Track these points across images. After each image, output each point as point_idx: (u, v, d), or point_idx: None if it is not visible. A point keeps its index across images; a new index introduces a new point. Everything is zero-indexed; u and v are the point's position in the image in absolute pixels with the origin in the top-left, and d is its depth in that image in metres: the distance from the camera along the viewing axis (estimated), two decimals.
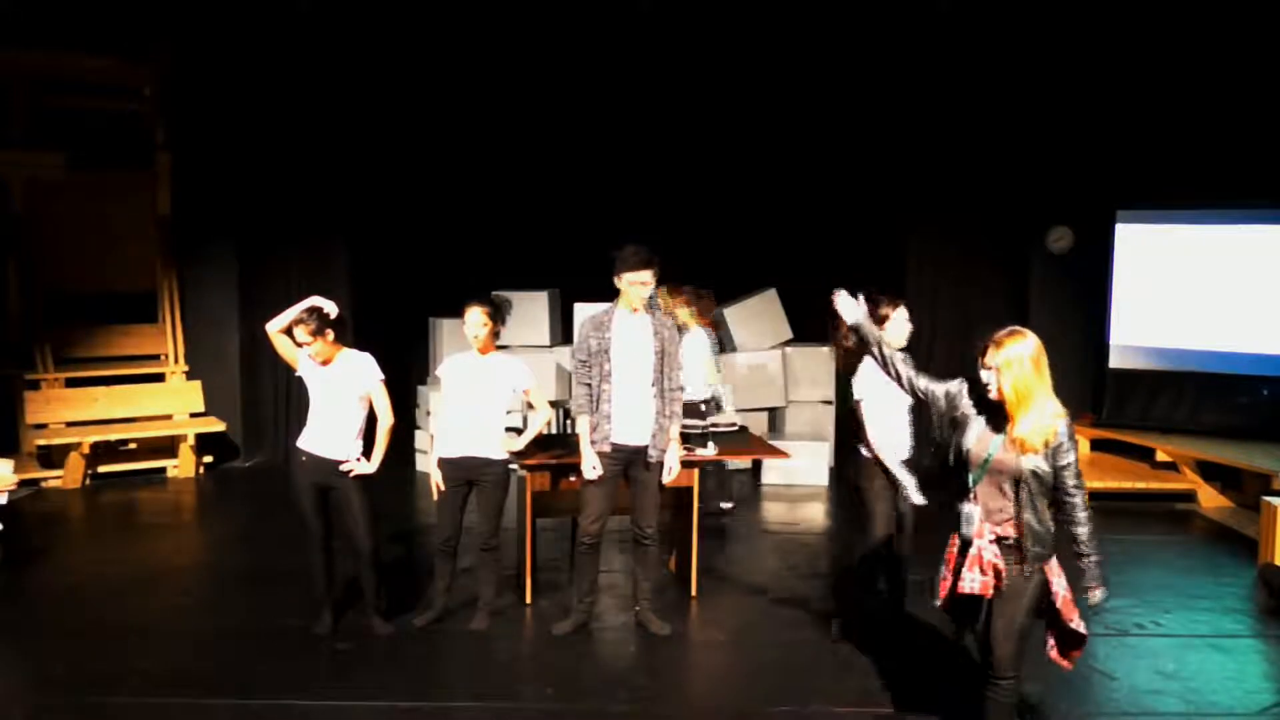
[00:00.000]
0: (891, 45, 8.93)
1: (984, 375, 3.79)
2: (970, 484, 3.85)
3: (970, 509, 3.86)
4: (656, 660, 5.25)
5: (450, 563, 5.58)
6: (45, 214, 8.81)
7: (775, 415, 9.49)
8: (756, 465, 9.04)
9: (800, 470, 8.73)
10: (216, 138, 8.94)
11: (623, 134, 9.39)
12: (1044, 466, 3.75)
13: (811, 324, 9.61)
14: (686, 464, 5.64)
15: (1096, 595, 3.85)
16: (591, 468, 5.26)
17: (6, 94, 8.68)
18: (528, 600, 5.92)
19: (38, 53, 8.57)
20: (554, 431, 6.73)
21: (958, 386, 3.96)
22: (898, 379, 4.12)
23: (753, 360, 9.39)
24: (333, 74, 8.95)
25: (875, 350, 4.17)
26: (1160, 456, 8.58)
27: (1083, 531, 3.80)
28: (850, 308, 4.24)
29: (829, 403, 9.36)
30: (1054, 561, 3.87)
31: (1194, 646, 5.50)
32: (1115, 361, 9.14)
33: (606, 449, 5.27)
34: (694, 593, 6.07)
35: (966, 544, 3.88)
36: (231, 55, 8.82)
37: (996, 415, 3.81)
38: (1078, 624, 3.88)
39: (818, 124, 9.42)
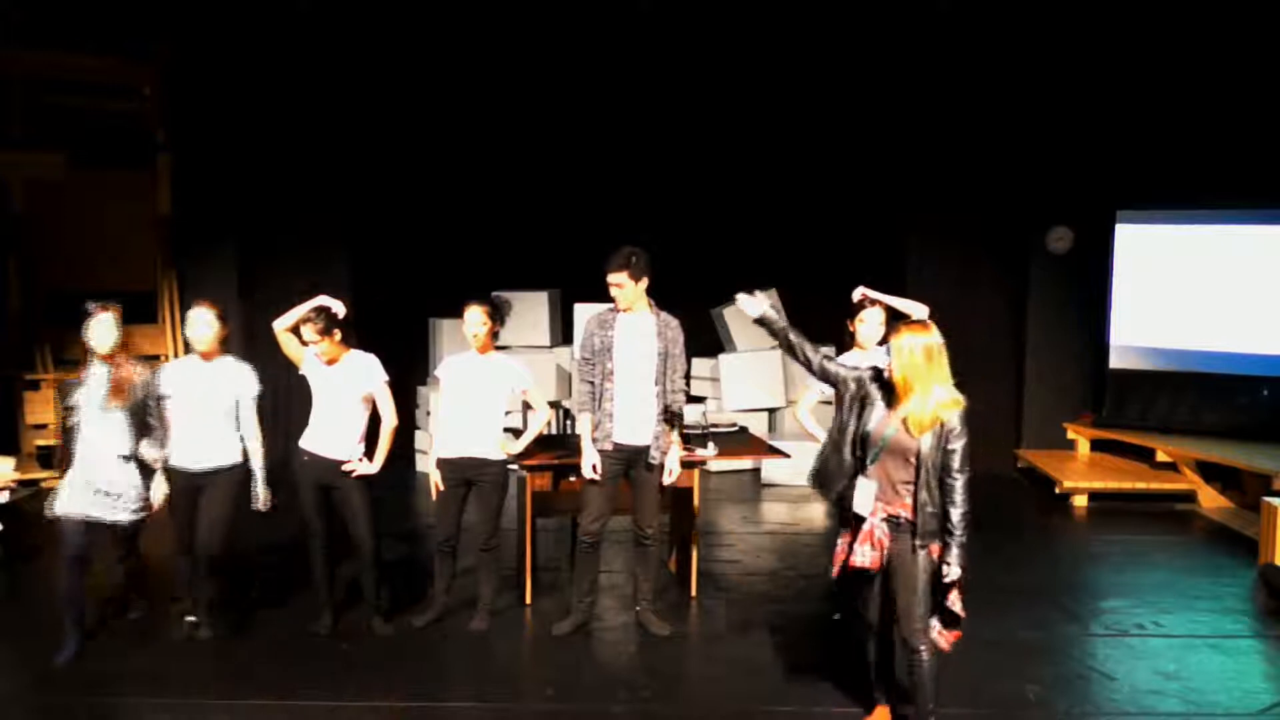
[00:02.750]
0: (891, 45, 8.93)
1: (884, 359, 4.11)
2: (869, 462, 4.12)
3: (865, 484, 4.12)
4: (656, 660, 5.25)
5: (450, 563, 5.58)
6: (45, 214, 8.81)
7: (775, 415, 9.50)
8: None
9: (800, 471, 8.69)
10: (216, 138, 8.94)
11: (623, 134, 9.38)
12: (935, 449, 4.00)
13: (811, 324, 9.63)
14: (687, 464, 5.65)
15: (953, 572, 4.02)
16: (591, 466, 5.27)
17: (6, 94, 8.67)
18: (528, 600, 5.93)
19: (38, 53, 8.57)
20: (553, 432, 6.74)
21: (866, 372, 4.24)
22: (807, 365, 4.39)
23: (752, 360, 9.39)
24: (333, 74, 8.95)
25: (782, 339, 4.43)
26: (1160, 456, 8.59)
27: (957, 512, 4.00)
28: (752, 303, 4.50)
29: (829, 402, 9.35)
30: (936, 544, 4.09)
31: (1194, 647, 5.50)
32: (1115, 361, 9.15)
33: (608, 448, 5.27)
34: (694, 593, 6.08)
35: (859, 519, 4.16)
36: (231, 55, 8.82)
37: (894, 398, 4.08)
38: (955, 603, 4.07)
39: (818, 124, 9.42)
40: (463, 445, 5.41)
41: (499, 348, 5.56)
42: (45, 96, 8.83)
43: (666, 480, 5.39)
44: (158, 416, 5.06)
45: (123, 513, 5.03)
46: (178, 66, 8.91)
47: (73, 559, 5.03)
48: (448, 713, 4.66)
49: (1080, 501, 8.41)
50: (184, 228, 9.21)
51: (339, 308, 5.24)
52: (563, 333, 9.63)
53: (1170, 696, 4.89)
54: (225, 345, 5.26)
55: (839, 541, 4.29)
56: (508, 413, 5.63)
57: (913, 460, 4.03)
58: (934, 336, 4.02)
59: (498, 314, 5.44)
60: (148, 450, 5.04)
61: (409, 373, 9.33)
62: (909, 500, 4.06)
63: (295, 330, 5.21)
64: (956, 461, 4.00)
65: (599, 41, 8.95)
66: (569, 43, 9.00)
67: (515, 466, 5.72)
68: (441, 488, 5.48)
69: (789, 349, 4.41)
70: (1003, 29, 8.76)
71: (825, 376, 4.36)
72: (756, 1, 8.78)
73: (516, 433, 5.75)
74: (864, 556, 4.10)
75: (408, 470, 9.00)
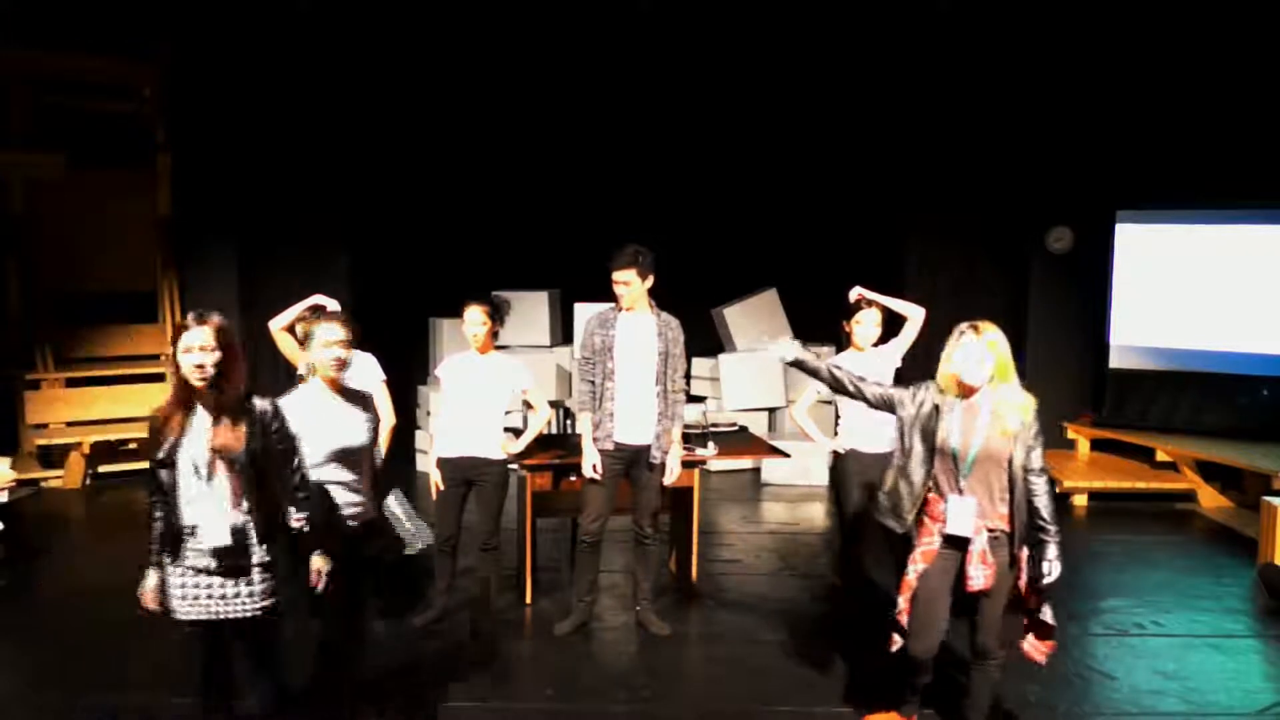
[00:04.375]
0: (891, 45, 8.93)
1: (959, 361, 3.92)
2: (962, 476, 3.94)
3: (963, 503, 3.93)
4: (656, 660, 5.25)
5: (450, 563, 5.58)
6: (45, 214, 8.81)
7: (775, 415, 9.50)
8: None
9: (800, 470, 8.73)
10: (216, 138, 8.94)
11: (623, 134, 9.38)
12: (1022, 451, 3.91)
13: (811, 324, 9.64)
14: (687, 464, 5.65)
15: (1054, 572, 3.96)
16: (592, 466, 5.27)
17: (6, 94, 8.68)
18: (528, 600, 5.93)
19: (38, 53, 8.56)
20: (554, 431, 6.74)
21: (918, 387, 4.10)
22: (859, 396, 4.24)
23: (752, 360, 9.39)
24: (333, 74, 8.95)
25: (826, 379, 4.30)
26: (1160, 456, 8.58)
27: (1048, 511, 3.96)
28: (785, 349, 4.33)
29: (828, 402, 9.36)
30: (1025, 550, 4.01)
31: (1194, 646, 5.50)
32: (1115, 361, 9.14)
33: (609, 447, 5.28)
34: (694, 593, 6.08)
35: (954, 541, 3.96)
36: (231, 55, 8.81)
37: (971, 406, 3.94)
38: (1046, 613, 4.03)
39: (818, 124, 9.42)
40: (463, 445, 5.41)
41: (499, 347, 5.56)
42: (45, 96, 8.83)
43: (667, 480, 5.39)
44: (296, 464, 3.74)
45: (246, 607, 3.61)
46: (178, 66, 8.91)
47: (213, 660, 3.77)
48: (448, 713, 4.66)
49: (1080, 501, 8.41)
50: (184, 228, 9.21)
51: (334, 306, 5.24)
52: (563, 333, 9.63)
53: (1170, 696, 4.89)
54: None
55: (911, 570, 4.05)
56: (508, 412, 5.63)
57: (1005, 467, 3.91)
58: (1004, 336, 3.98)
59: (498, 314, 5.44)
60: (296, 514, 3.74)
61: (409, 372, 9.33)
62: (1005, 510, 3.94)
63: (291, 329, 5.20)
64: (1038, 460, 3.95)
65: (599, 41, 8.95)
66: (569, 43, 8.99)
67: (515, 466, 5.72)
68: (441, 487, 5.48)
69: (836, 386, 4.27)
70: (1003, 29, 8.76)
71: (883, 403, 4.18)
72: (757, 2, 8.78)
73: (517, 432, 5.75)
74: (979, 579, 3.91)
75: (408, 470, 9.00)
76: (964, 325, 3.96)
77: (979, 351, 3.88)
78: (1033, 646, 4.12)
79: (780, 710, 4.71)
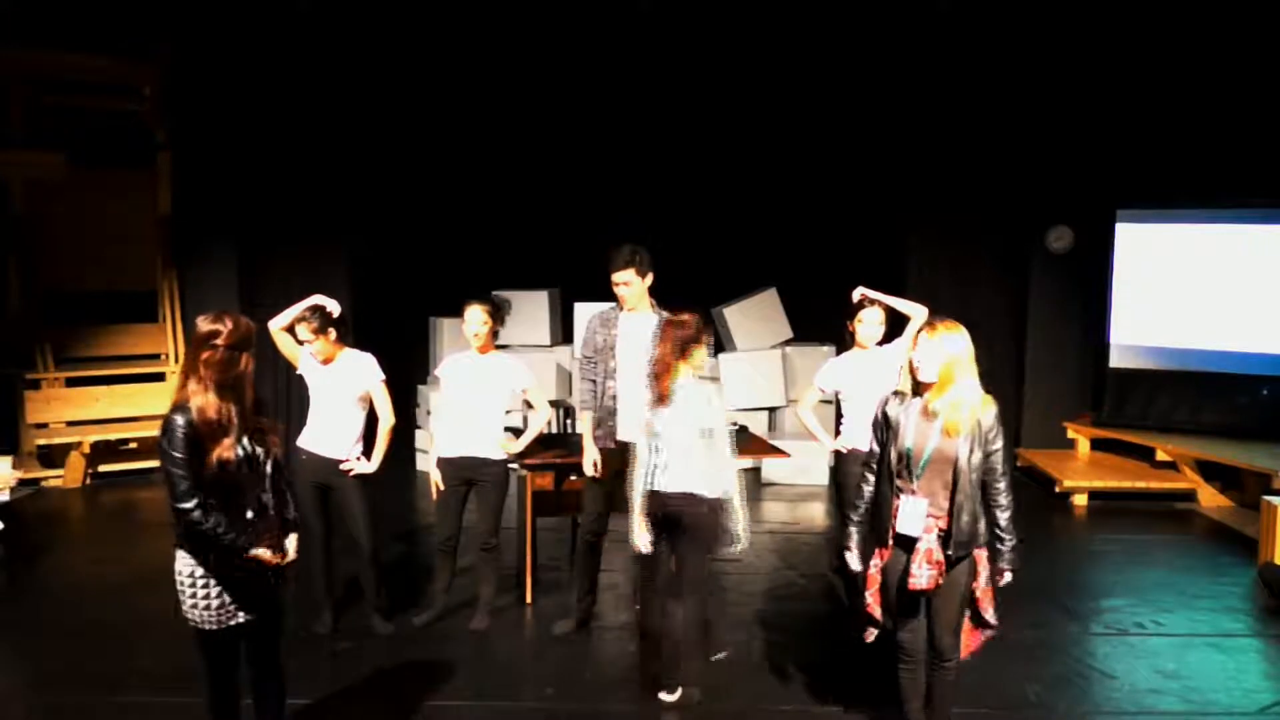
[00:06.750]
0: (891, 45, 8.93)
1: (915, 358, 3.92)
2: (913, 479, 3.95)
3: (914, 503, 3.94)
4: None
5: (450, 562, 5.59)
6: (45, 214, 8.82)
7: (775, 415, 9.50)
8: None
9: (800, 470, 8.73)
10: (217, 138, 8.93)
11: (623, 134, 9.38)
12: (978, 453, 3.89)
13: (811, 323, 9.64)
14: None
15: (1005, 578, 3.99)
16: (592, 464, 5.28)
17: (6, 94, 8.68)
18: (528, 600, 5.93)
19: (38, 53, 8.57)
20: (554, 431, 6.74)
21: (880, 405, 4.09)
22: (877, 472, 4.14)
23: (752, 360, 9.39)
24: (333, 74, 8.94)
25: (861, 518, 4.17)
26: (1160, 456, 8.58)
27: (1004, 516, 3.96)
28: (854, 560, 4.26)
29: (828, 402, 9.36)
30: (984, 552, 3.99)
31: (1194, 646, 5.50)
32: (1115, 361, 9.14)
33: (610, 446, 5.28)
34: None
35: (904, 541, 3.97)
36: (231, 55, 8.80)
37: (927, 406, 3.93)
38: (991, 615, 4.02)
39: (818, 124, 9.41)
40: (463, 445, 5.42)
41: (499, 347, 5.56)
42: (45, 96, 8.83)
43: None
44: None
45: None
46: (178, 66, 8.91)
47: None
48: (448, 712, 4.66)
49: (1080, 500, 8.41)
50: (184, 228, 9.20)
51: (334, 306, 5.24)
52: (563, 332, 9.63)
53: (1170, 695, 4.90)
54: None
55: (872, 565, 4.09)
56: (508, 412, 5.63)
57: (953, 471, 3.89)
58: (966, 335, 3.92)
59: (498, 313, 5.44)
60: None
61: (409, 372, 9.33)
62: (949, 511, 3.93)
63: (291, 329, 5.21)
64: (999, 464, 3.91)
65: (599, 41, 8.95)
66: (569, 42, 8.99)
67: (516, 466, 5.72)
68: (441, 487, 5.48)
69: (869, 504, 4.16)
70: (1002, 29, 8.76)
71: (876, 452, 4.12)
72: (757, 2, 8.78)
73: (517, 432, 5.75)
74: (923, 578, 3.88)
75: (408, 469, 9.00)
76: (931, 321, 3.99)
77: (929, 348, 3.88)
78: (965, 633, 4.10)
79: (780, 710, 4.71)
